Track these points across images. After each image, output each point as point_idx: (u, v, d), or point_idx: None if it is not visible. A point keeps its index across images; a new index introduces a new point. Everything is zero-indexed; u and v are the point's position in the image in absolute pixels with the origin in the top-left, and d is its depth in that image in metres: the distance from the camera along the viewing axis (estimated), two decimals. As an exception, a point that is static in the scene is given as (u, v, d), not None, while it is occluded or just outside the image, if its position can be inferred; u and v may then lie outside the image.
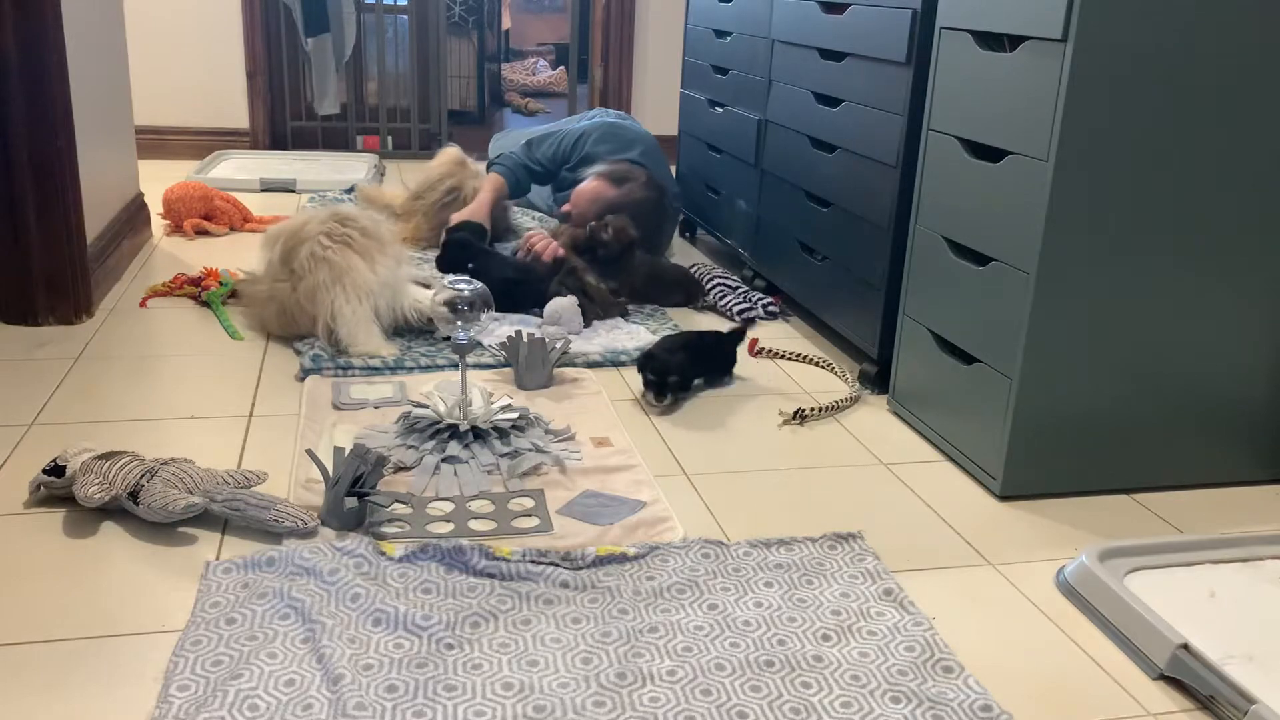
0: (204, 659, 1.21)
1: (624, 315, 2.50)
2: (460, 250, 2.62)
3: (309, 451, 1.61)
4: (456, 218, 2.83)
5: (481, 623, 1.32)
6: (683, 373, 2.03)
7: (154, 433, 1.81)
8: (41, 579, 1.38)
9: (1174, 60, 1.55)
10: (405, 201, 3.12)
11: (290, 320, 2.21)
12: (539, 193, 3.46)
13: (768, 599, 1.39)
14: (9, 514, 1.53)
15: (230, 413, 1.90)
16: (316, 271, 2.15)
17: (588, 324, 2.41)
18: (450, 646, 1.27)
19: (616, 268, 2.61)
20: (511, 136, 3.65)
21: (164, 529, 1.50)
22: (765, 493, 1.71)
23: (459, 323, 1.80)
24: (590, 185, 2.89)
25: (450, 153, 3.10)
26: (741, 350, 2.37)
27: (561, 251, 2.59)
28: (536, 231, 2.69)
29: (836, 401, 2.06)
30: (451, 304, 1.80)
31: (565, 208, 2.93)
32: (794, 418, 1.99)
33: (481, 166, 3.14)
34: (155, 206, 3.14)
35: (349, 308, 2.12)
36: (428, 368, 2.14)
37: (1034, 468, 1.72)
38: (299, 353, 2.16)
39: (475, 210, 2.88)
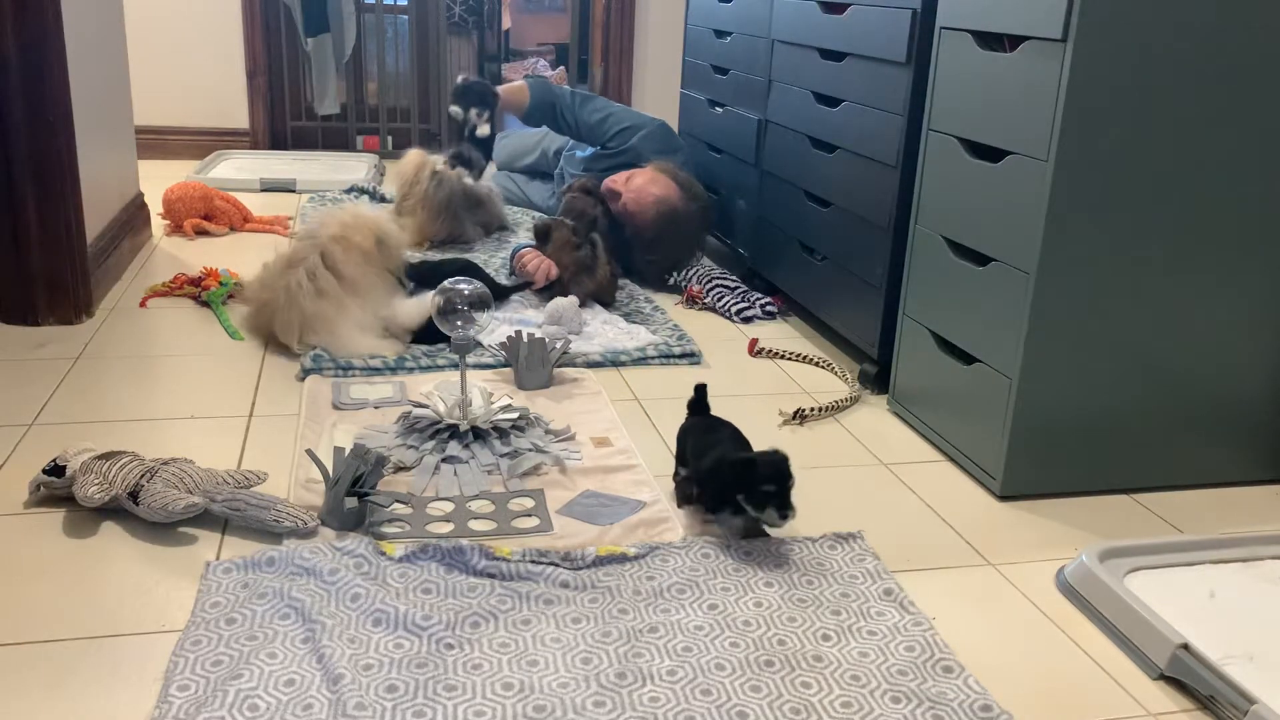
0: (204, 659, 1.21)
1: (608, 305, 2.55)
2: (472, 87, 2.85)
3: (309, 451, 1.61)
4: None
5: (481, 623, 1.32)
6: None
7: (154, 433, 1.81)
8: (41, 579, 1.38)
9: (1174, 60, 1.55)
10: (395, 208, 3.12)
11: (279, 331, 2.21)
12: (539, 192, 3.46)
13: (768, 599, 1.39)
14: (9, 514, 1.53)
15: (230, 413, 1.90)
16: (289, 309, 2.15)
17: (580, 296, 2.47)
18: (450, 646, 1.27)
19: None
20: (514, 136, 3.65)
21: (164, 529, 1.50)
22: (765, 493, 1.70)
23: (459, 323, 1.80)
24: (661, 182, 2.76)
25: (412, 151, 3.13)
26: (741, 350, 2.37)
27: (555, 272, 2.56)
28: (529, 250, 2.62)
29: (836, 401, 2.06)
30: (450, 305, 1.80)
31: (616, 190, 2.76)
32: (794, 418, 1.99)
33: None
34: (155, 206, 3.14)
35: (320, 338, 2.14)
36: (428, 368, 2.14)
37: (1034, 468, 1.72)
38: (299, 353, 2.16)
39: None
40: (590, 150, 3.20)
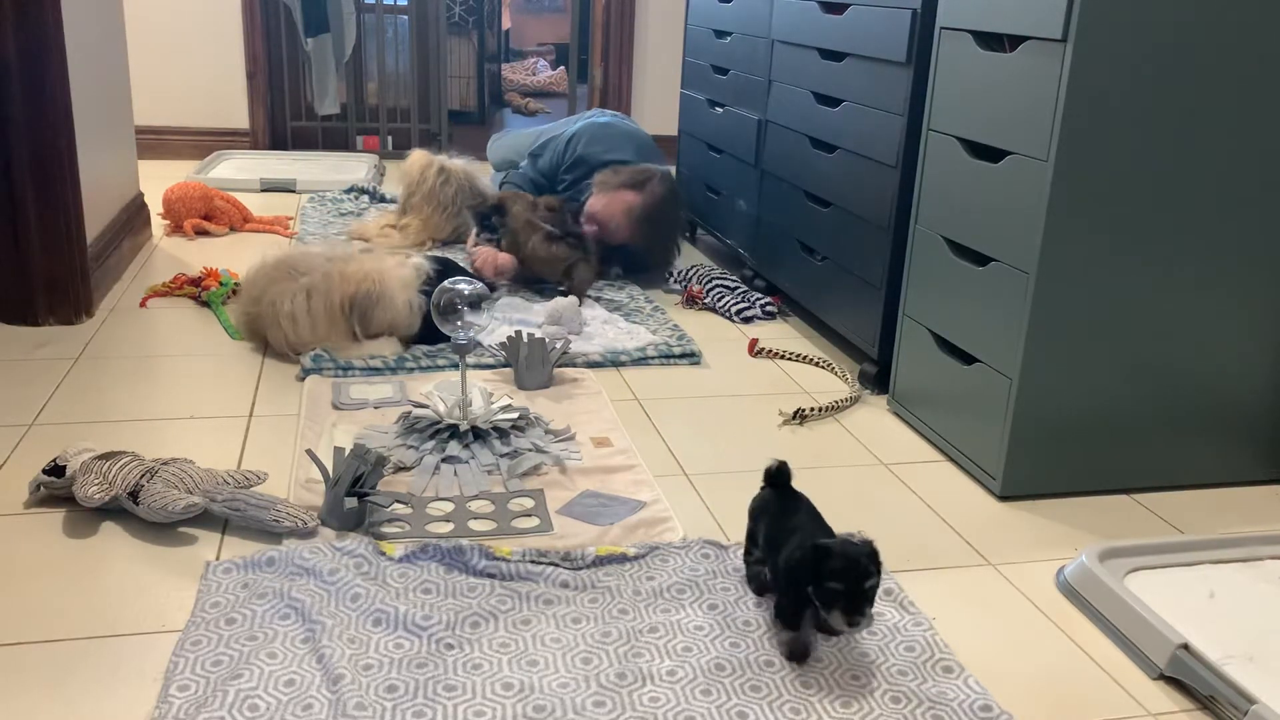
0: (204, 659, 1.21)
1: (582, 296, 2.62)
2: (492, 209, 2.79)
3: (309, 451, 1.61)
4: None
5: (481, 623, 1.32)
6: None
7: (154, 433, 1.81)
8: (41, 579, 1.38)
9: (1174, 60, 1.55)
10: (400, 207, 3.12)
11: (271, 341, 2.21)
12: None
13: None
14: (9, 514, 1.53)
15: (230, 413, 1.90)
16: (274, 327, 2.15)
17: (583, 286, 2.57)
18: (450, 646, 1.27)
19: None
20: (509, 137, 3.65)
21: (164, 529, 1.50)
22: (765, 493, 1.70)
23: (459, 323, 1.80)
24: (615, 198, 2.78)
25: (416, 152, 3.15)
26: (741, 350, 2.37)
27: (504, 261, 2.64)
28: (480, 248, 2.72)
29: (836, 401, 2.06)
30: (451, 305, 1.80)
31: (590, 228, 2.78)
32: (794, 418, 1.99)
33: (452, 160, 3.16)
34: (155, 206, 3.14)
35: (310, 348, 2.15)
36: (428, 368, 2.14)
37: (1034, 468, 1.72)
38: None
39: None
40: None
